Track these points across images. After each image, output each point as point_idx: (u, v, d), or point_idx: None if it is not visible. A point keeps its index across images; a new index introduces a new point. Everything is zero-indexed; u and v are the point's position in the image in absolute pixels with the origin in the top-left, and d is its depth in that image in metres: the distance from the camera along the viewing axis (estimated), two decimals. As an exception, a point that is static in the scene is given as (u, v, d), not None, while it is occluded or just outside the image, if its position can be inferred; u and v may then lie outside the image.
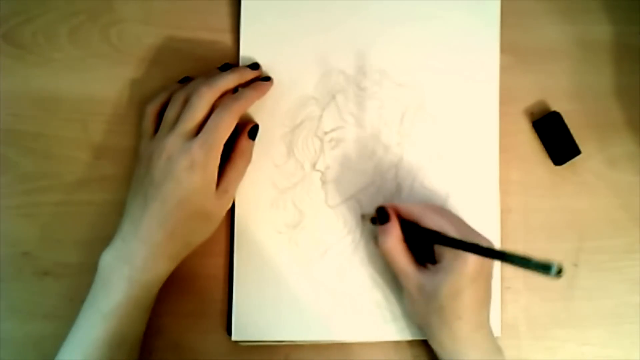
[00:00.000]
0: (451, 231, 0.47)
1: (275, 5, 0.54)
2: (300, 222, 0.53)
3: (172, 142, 0.47)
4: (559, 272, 0.39)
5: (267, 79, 0.53)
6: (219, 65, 0.52)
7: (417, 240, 0.50)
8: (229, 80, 0.50)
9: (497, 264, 0.53)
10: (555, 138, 0.55)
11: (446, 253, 0.48)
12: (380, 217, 0.51)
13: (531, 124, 0.55)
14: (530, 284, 0.55)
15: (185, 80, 0.52)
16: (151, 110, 0.51)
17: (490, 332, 0.49)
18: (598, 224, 0.55)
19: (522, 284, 0.54)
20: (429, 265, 0.49)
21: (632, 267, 0.55)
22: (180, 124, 0.48)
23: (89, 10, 0.54)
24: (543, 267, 0.40)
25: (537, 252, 0.54)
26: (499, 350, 0.49)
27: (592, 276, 0.55)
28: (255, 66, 0.53)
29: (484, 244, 0.45)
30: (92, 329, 0.46)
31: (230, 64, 0.53)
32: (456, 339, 0.48)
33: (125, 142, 0.54)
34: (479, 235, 0.48)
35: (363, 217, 0.53)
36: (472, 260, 0.46)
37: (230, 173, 0.50)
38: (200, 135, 0.47)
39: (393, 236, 0.49)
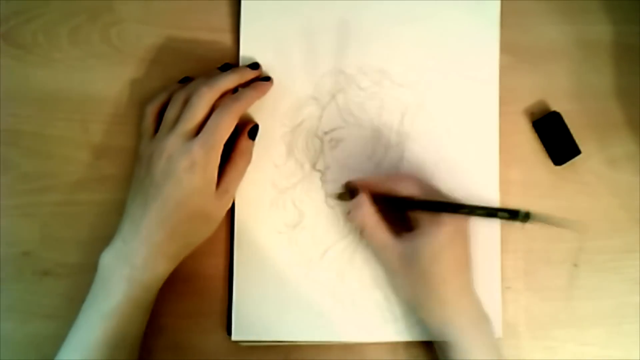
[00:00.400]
0: (421, 195, 0.48)
1: (275, 5, 0.54)
2: (300, 222, 0.53)
3: (172, 142, 0.47)
4: (526, 216, 0.42)
5: (267, 79, 0.53)
6: (219, 66, 0.52)
7: (390, 210, 0.50)
8: (229, 81, 0.50)
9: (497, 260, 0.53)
10: (555, 138, 0.55)
11: (421, 218, 0.49)
12: (349, 192, 0.51)
13: (531, 124, 0.55)
14: (530, 284, 0.54)
15: (186, 81, 0.52)
16: (151, 110, 0.51)
17: (476, 297, 0.50)
18: (598, 224, 0.55)
19: (523, 284, 0.54)
20: (406, 234, 0.49)
21: (632, 267, 0.55)
22: (180, 124, 0.48)
23: (89, 10, 0.55)
24: (511, 214, 0.43)
25: (537, 252, 0.54)
26: (486, 317, 0.49)
27: (592, 276, 0.55)
28: (255, 66, 0.53)
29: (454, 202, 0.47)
30: (92, 329, 0.46)
31: (230, 64, 0.53)
32: (443, 304, 0.48)
33: (125, 142, 0.54)
34: (448, 198, 0.49)
35: (329, 195, 0.53)
36: (446, 220, 0.47)
37: (231, 173, 0.50)
38: (200, 135, 0.47)
39: (365, 208, 0.50)
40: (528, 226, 0.54)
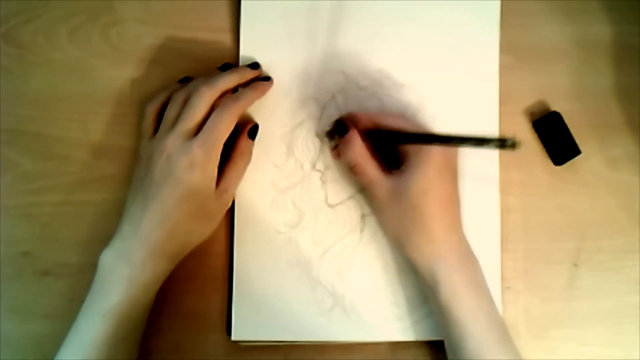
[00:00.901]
0: (411, 129, 0.49)
1: (275, 5, 0.54)
2: (300, 222, 0.53)
3: (172, 141, 0.47)
4: (513, 144, 0.42)
5: (267, 78, 0.53)
6: (219, 66, 0.52)
7: (379, 145, 0.50)
8: (229, 80, 0.50)
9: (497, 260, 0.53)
10: (555, 138, 0.55)
11: (410, 152, 0.49)
12: (339, 129, 0.51)
13: (531, 124, 0.55)
14: (530, 284, 0.54)
15: (186, 80, 0.52)
16: (151, 110, 0.51)
17: (465, 237, 0.50)
18: (598, 224, 0.55)
19: (522, 284, 0.54)
20: (395, 170, 0.49)
21: (632, 267, 0.55)
22: (180, 123, 0.48)
23: (89, 10, 0.55)
24: (499, 142, 0.44)
25: (537, 252, 0.54)
26: (474, 257, 0.49)
27: (592, 276, 0.55)
28: (255, 66, 0.53)
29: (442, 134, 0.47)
30: (92, 329, 0.46)
31: (230, 63, 0.53)
32: (432, 241, 0.48)
33: (125, 142, 0.54)
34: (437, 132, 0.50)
35: (324, 134, 0.53)
36: (435, 152, 0.48)
37: (230, 173, 0.50)
38: (200, 135, 0.47)
39: (356, 144, 0.49)
40: (528, 225, 0.55)
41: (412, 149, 0.49)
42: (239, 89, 0.51)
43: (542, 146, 0.55)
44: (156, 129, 0.50)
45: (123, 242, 0.47)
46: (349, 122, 0.51)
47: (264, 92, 0.52)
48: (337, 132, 0.51)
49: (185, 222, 0.48)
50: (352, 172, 0.51)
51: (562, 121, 0.55)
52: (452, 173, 0.49)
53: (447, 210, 0.49)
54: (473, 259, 0.49)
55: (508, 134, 0.44)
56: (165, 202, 0.47)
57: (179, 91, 0.50)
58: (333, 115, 0.54)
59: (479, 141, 0.45)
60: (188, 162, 0.47)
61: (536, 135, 0.55)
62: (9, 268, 0.53)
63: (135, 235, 0.47)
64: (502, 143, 0.43)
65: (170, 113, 0.49)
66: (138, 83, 0.54)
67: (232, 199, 0.51)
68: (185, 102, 0.49)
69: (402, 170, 0.49)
